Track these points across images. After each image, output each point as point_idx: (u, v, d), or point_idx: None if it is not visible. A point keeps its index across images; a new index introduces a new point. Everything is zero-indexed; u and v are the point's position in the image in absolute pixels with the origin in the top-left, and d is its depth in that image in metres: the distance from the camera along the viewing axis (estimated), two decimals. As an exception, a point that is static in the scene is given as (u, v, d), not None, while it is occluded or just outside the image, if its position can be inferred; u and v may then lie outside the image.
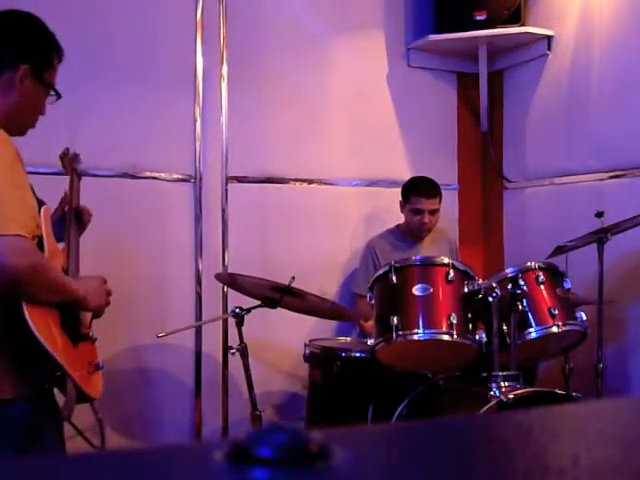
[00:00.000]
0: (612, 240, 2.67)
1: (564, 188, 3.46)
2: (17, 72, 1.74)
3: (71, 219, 2.01)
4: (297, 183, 3.53)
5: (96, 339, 1.93)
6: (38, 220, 1.69)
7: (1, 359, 1.65)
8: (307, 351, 2.85)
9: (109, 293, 1.91)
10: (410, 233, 3.35)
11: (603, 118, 3.24)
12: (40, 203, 1.77)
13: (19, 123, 1.80)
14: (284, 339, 3.40)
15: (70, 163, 2.11)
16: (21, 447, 1.67)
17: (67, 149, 2.13)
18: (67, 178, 2.14)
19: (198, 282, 3.30)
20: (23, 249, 1.58)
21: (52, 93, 1.85)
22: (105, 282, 1.90)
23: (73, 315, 1.80)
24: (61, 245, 1.94)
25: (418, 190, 3.25)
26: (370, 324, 2.88)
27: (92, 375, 1.85)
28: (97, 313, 1.88)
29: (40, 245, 1.72)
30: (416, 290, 2.42)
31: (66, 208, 2.07)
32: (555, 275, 2.57)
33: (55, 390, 1.81)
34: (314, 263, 3.50)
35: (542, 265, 2.54)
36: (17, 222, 1.57)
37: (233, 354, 2.65)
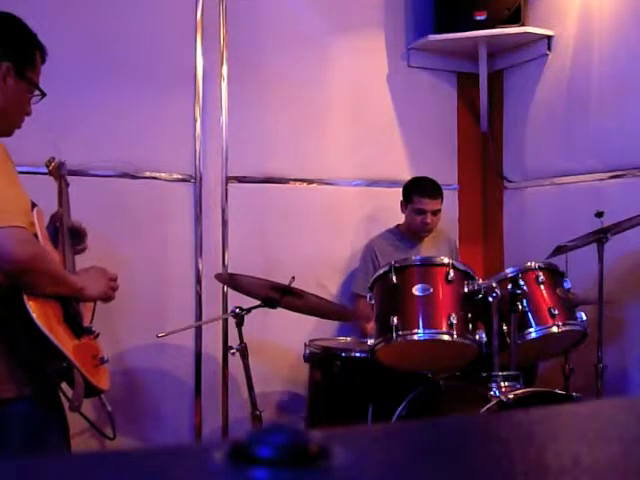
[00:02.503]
0: (612, 240, 2.66)
1: (564, 188, 3.46)
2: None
3: (62, 224, 2.02)
4: (297, 183, 3.53)
5: (99, 334, 1.94)
6: (31, 217, 1.70)
7: (4, 357, 1.65)
8: (307, 351, 2.85)
9: (112, 279, 1.92)
10: (410, 233, 3.35)
11: (603, 118, 3.24)
12: (32, 204, 1.78)
13: (5, 123, 1.79)
14: (284, 339, 3.39)
15: (57, 171, 2.11)
16: (24, 446, 1.67)
17: (52, 157, 2.12)
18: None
19: (198, 282, 3.30)
20: (23, 239, 1.60)
21: (37, 93, 1.85)
22: (105, 271, 1.91)
23: (74, 309, 1.81)
24: None
25: (422, 190, 3.26)
26: (371, 326, 2.88)
27: (98, 368, 1.86)
28: (105, 300, 1.90)
29: None
30: (416, 290, 2.42)
31: (57, 224, 2.06)
32: (555, 275, 2.57)
33: (60, 391, 1.82)
34: (314, 263, 3.50)
35: (542, 265, 2.54)
36: (14, 215, 1.59)
37: (233, 354, 2.65)
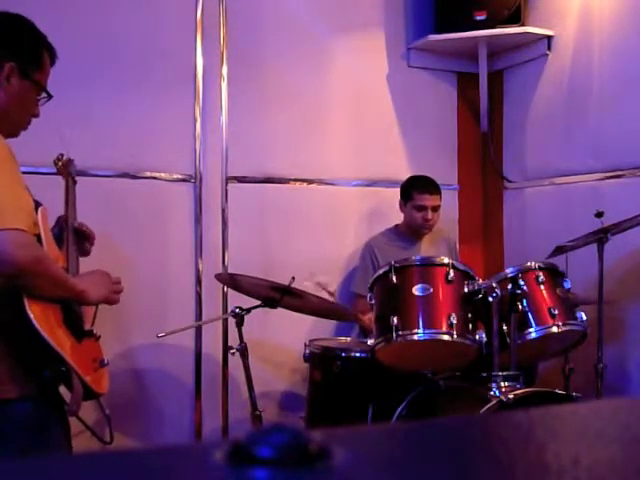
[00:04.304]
0: (612, 240, 2.67)
1: (564, 188, 3.46)
2: (2, 70, 1.73)
3: (68, 224, 2.01)
4: (297, 183, 3.53)
5: (100, 336, 1.94)
6: (34, 218, 1.69)
7: (4, 358, 1.65)
8: (307, 351, 2.85)
9: (116, 282, 1.91)
10: (410, 232, 3.36)
11: (603, 118, 3.24)
12: (37, 204, 1.77)
13: (9, 123, 1.78)
14: (284, 339, 3.40)
15: (65, 168, 2.10)
16: (25, 446, 1.67)
17: (61, 154, 2.11)
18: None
19: (198, 282, 3.30)
20: (24, 242, 1.59)
21: (43, 95, 1.84)
22: (108, 274, 1.91)
23: (75, 312, 1.80)
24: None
25: (421, 187, 3.28)
26: (368, 317, 2.88)
27: (97, 371, 1.85)
28: (108, 303, 1.89)
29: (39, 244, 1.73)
30: (416, 290, 2.42)
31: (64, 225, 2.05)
32: (555, 275, 2.57)
33: (61, 390, 1.81)
34: (314, 263, 3.50)
35: (542, 265, 2.54)
36: (15, 217, 1.58)
37: (233, 354, 2.66)
